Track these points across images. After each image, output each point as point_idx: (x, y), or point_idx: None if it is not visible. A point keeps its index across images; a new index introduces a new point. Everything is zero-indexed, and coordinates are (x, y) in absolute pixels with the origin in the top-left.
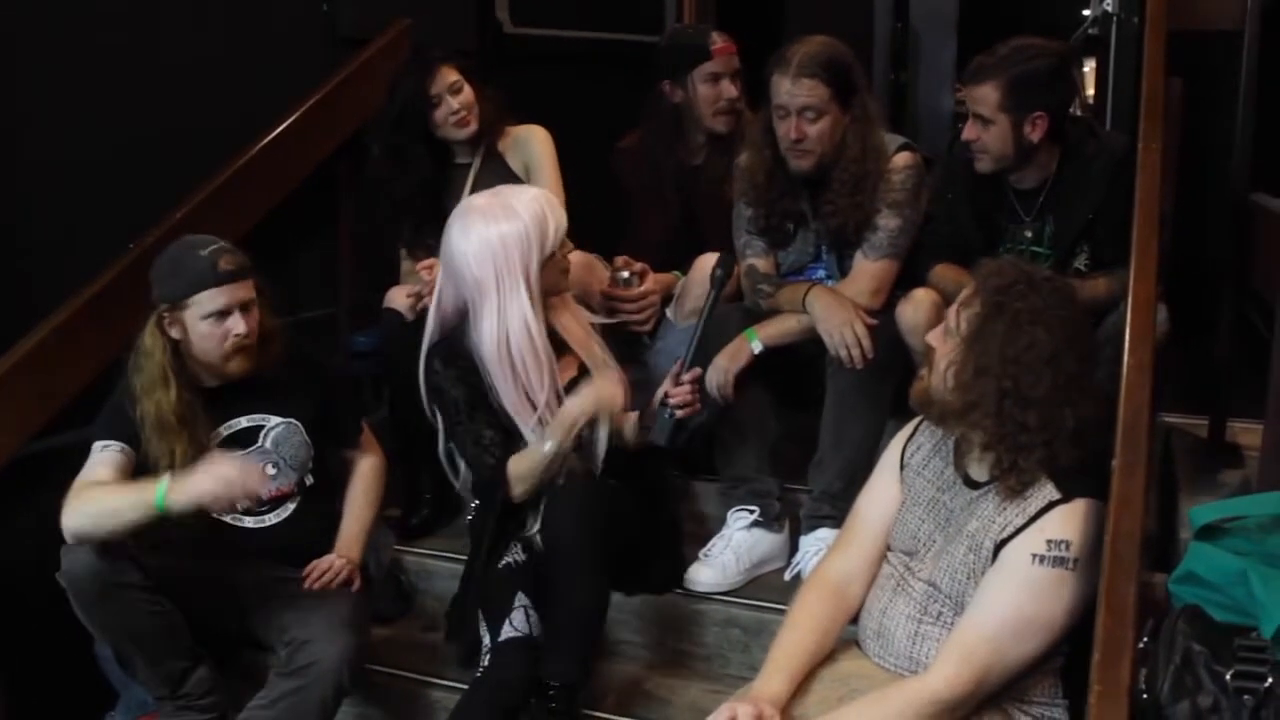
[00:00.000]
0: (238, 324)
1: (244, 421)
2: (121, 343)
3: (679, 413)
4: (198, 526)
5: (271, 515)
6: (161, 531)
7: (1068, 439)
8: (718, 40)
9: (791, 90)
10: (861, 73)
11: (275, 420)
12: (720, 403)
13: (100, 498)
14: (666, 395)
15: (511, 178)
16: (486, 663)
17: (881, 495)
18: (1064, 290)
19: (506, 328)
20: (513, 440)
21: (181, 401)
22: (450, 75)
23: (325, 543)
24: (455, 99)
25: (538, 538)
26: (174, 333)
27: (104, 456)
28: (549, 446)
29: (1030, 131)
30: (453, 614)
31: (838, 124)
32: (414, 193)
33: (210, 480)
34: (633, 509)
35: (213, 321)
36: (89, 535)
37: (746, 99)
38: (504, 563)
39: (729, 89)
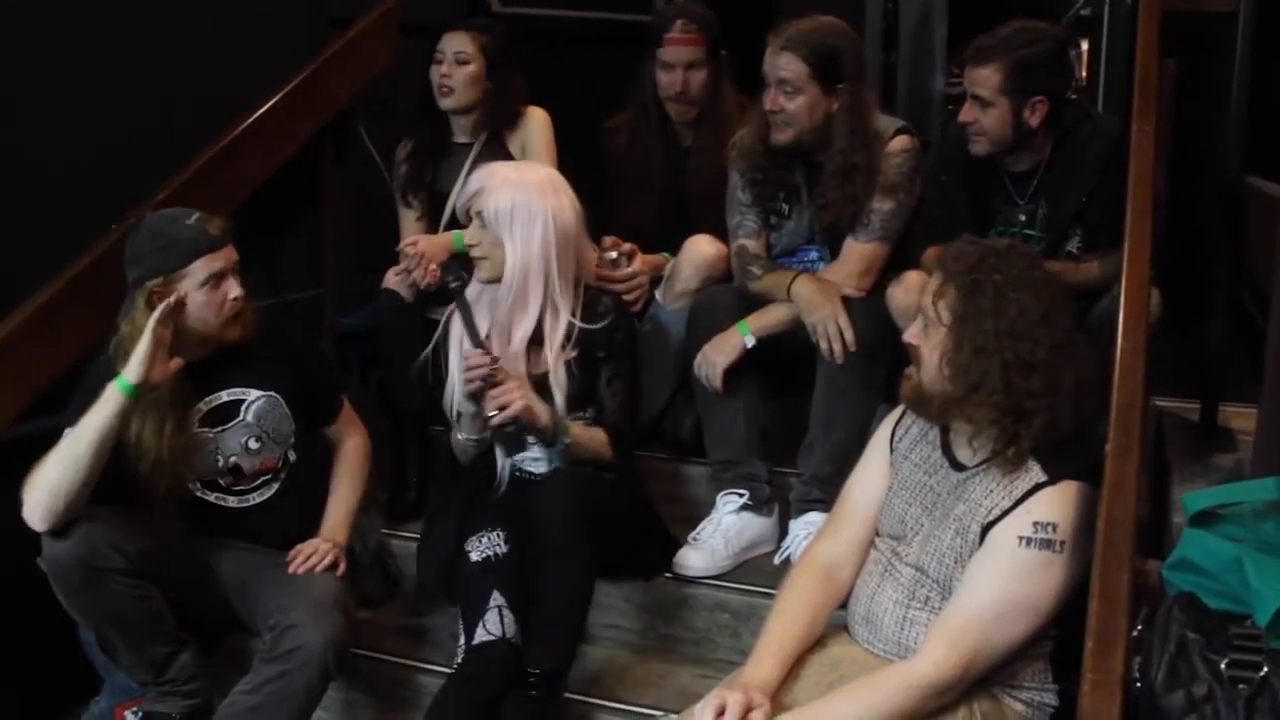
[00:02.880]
0: (234, 287)
1: (224, 396)
2: (104, 325)
3: (492, 421)
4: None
5: (255, 495)
6: (144, 513)
7: (1068, 401)
8: (676, 29)
9: (772, 61)
10: (856, 61)
11: (255, 394)
12: (710, 391)
13: (52, 453)
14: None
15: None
16: (459, 662)
17: (871, 478)
18: (1030, 254)
19: None
20: None
21: (176, 378)
22: (458, 43)
23: (309, 524)
24: (447, 65)
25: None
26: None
27: None
28: (460, 436)
29: (1030, 116)
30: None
31: (817, 105)
32: (425, 142)
33: (145, 339)
34: (620, 497)
35: (210, 288)
36: (53, 504)
37: (732, 85)
38: (484, 555)
39: (677, 80)
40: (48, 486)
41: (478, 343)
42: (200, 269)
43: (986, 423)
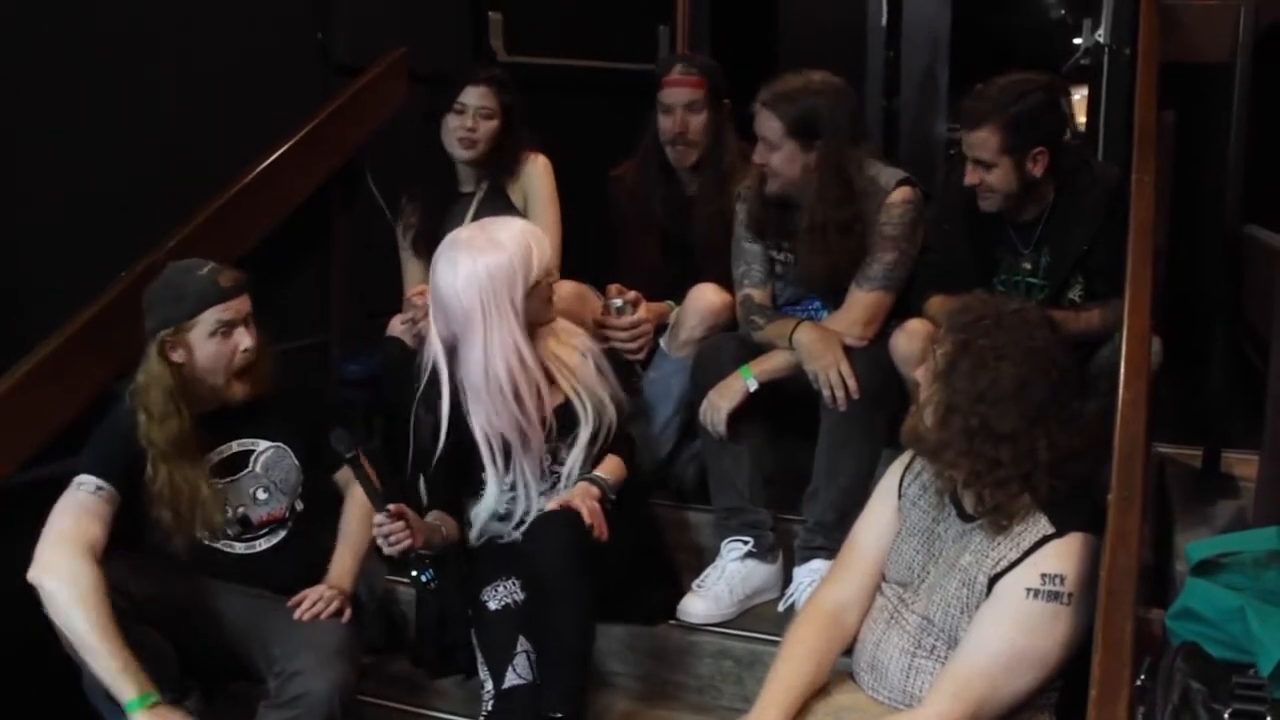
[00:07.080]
0: (244, 338)
1: (234, 446)
2: (114, 370)
3: (389, 550)
4: (184, 550)
5: (261, 541)
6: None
7: (1045, 470)
8: (675, 71)
9: (755, 117)
10: (841, 117)
11: (265, 445)
12: (714, 438)
13: (86, 623)
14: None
15: (512, 211)
16: (490, 709)
17: (878, 523)
18: (1035, 321)
19: (494, 357)
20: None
21: (193, 428)
22: (482, 97)
23: (316, 571)
24: (471, 119)
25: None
26: (177, 357)
27: (87, 501)
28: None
29: (1033, 167)
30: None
31: (794, 160)
32: (431, 191)
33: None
34: (621, 538)
35: (220, 338)
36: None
37: (736, 135)
38: (503, 604)
39: (676, 122)
40: (58, 618)
41: (382, 508)
42: (210, 319)
43: (966, 475)
